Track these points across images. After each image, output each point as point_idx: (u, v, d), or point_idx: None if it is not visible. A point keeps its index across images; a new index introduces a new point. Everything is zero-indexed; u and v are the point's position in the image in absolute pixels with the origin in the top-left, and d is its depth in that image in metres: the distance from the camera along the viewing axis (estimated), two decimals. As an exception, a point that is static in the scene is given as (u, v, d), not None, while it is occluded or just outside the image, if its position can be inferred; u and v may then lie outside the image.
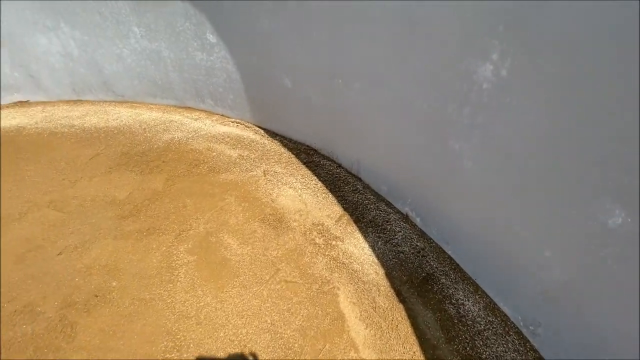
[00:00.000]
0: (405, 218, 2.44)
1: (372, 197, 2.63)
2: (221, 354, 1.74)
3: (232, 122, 3.62)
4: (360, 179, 2.73)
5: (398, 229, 2.41)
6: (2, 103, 4.02)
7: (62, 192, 2.74)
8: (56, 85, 3.97)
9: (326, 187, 2.74)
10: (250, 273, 2.12)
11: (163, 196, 2.69)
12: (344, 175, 2.81)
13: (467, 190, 1.89)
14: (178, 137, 3.46)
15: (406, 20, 1.74)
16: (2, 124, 3.71)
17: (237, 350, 1.76)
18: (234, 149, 3.25)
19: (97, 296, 1.97)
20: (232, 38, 2.94)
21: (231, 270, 2.13)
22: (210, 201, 2.63)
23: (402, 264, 2.21)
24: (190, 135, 3.49)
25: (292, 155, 3.10)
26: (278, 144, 3.26)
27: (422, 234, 2.36)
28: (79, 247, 2.26)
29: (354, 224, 2.44)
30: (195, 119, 3.74)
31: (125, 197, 2.68)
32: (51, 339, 1.77)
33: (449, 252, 2.22)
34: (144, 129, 3.63)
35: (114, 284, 2.05)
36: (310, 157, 3.06)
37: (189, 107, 3.88)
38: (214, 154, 3.20)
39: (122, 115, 3.88)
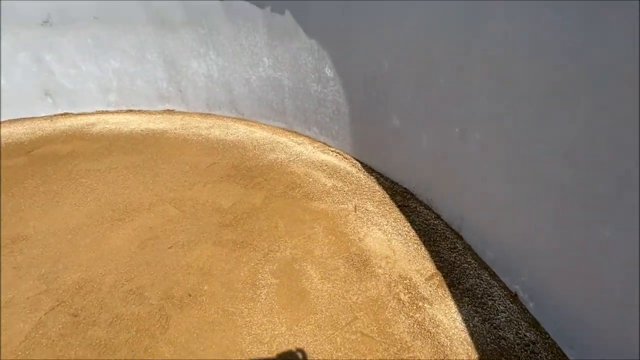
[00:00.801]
0: (514, 297, 2.05)
1: (473, 261, 2.31)
2: (286, 394, 1.69)
3: (332, 151, 3.72)
4: (461, 238, 2.43)
5: (502, 308, 2.03)
6: (156, 109, 5.00)
7: (183, 192, 3.17)
8: (195, 100, 4.74)
9: (420, 237, 2.53)
10: (327, 313, 2.05)
11: (259, 212, 2.87)
12: (442, 229, 2.56)
13: (615, 288, 1.48)
14: (281, 159, 3.71)
15: (549, 83, 1.51)
16: (154, 127, 4.59)
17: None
18: (329, 178, 3.31)
19: (190, 295, 2.16)
20: (348, 75, 3.05)
21: (309, 305, 2.09)
22: (300, 227, 2.69)
23: (503, 354, 1.84)
24: (292, 158, 3.70)
25: (387, 195, 2.98)
26: (374, 180, 3.20)
27: (535, 324, 1.93)
28: (185, 245, 2.54)
29: (446, 288, 2.17)
30: (299, 144, 3.97)
31: (229, 206, 2.95)
32: (150, 325, 1.99)
33: None
34: (254, 146, 4.02)
35: (206, 287, 2.22)
36: (406, 200, 2.89)
37: (295, 132, 4.16)
38: (310, 180, 3.31)
39: (239, 131, 4.39)
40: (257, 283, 2.24)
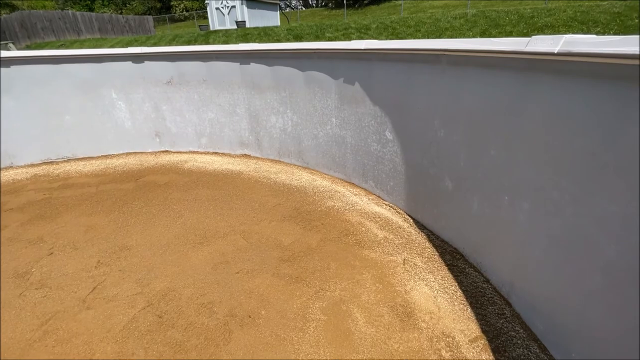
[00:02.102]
0: (565, 375, 1.97)
1: (521, 330, 2.28)
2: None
3: (386, 204, 3.98)
4: (509, 304, 2.43)
5: (551, 384, 1.96)
6: (236, 153, 5.88)
7: (251, 226, 3.67)
8: (269, 148, 5.50)
9: (466, 298, 2.57)
10: (369, 355, 2.18)
11: (314, 253, 3.18)
12: (490, 294, 2.58)
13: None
14: (337, 206, 4.08)
15: (587, 163, 1.66)
16: (233, 168, 5.39)
17: None
18: (381, 229, 3.54)
19: (250, 317, 2.48)
20: (406, 138, 3.41)
21: (352, 345, 2.25)
22: (350, 271, 2.92)
23: None
24: (347, 207, 4.04)
25: (436, 253, 3.10)
26: (424, 237, 3.35)
27: (588, 408, 1.83)
28: (249, 272, 2.93)
29: (491, 353, 2.16)
30: (355, 194, 4.33)
31: (289, 244, 3.33)
32: (215, 335, 2.33)
33: None
34: (315, 192, 4.48)
35: (263, 312, 2.52)
36: (455, 260, 2.97)
37: (353, 184, 4.54)
38: (363, 229, 3.57)
39: (302, 178, 4.93)
40: (307, 316, 2.48)
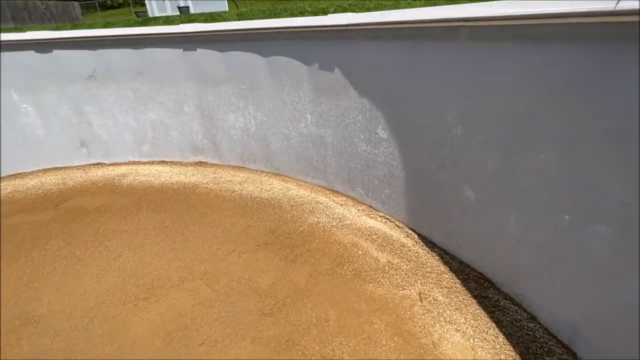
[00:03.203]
0: None
1: (599, 393, 1.73)
2: None
3: (381, 216, 3.30)
4: (574, 354, 1.87)
5: None
6: (188, 161, 4.85)
7: (215, 264, 2.79)
8: (229, 152, 4.56)
9: (513, 346, 1.98)
10: None
11: (305, 296, 2.42)
12: (543, 338, 2.01)
13: None
14: (323, 223, 3.32)
15: None
16: (186, 180, 4.38)
17: None
18: (382, 251, 2.86)
19: (225, 423, 1.67)
20: (407, 137, 2.73)
21: None
22: (357, 321, 2.20)
23: None
24: (334, 223, 3.31)
25: (457, 280, 2.49)
26: (436, 258, 2.72)
27: None
28: (220, 341, 2.10)
29: None
30: (341, 205, 3.60)
31: (268, 286, 2.53)
32: None
33: None
34: (292, 205, 3.67)
35: (244, 410, 1.73)
36: (483, 289, 2.38)
37: (336, 192, 3.81)
38: (360, 252, 2.87)
39: (274, 187, 4.08)
40: (310, 407, 1.73)
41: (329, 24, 2.84)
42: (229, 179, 4.37)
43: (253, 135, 4.22)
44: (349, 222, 3.31)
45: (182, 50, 4.02)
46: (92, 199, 4.02)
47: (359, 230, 3.17)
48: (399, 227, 3.13)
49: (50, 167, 4.80)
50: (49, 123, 4.53)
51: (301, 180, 4.14)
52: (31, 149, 4.59)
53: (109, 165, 4.91)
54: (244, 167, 4.61)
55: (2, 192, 4.26)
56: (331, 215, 3.44)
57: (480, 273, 2.47)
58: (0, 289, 2.61)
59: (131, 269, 2.78)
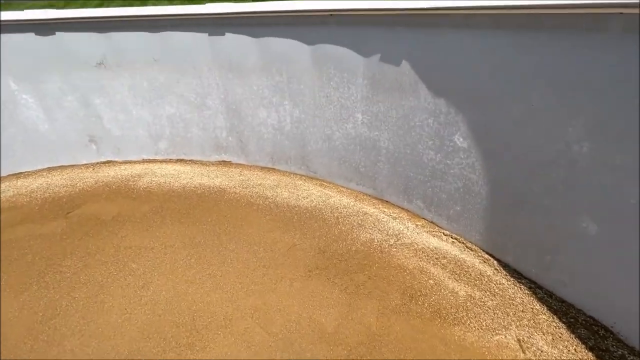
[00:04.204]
0: None
1: None
2: None
3: (446, 235, 2.88)
4: None
5: None
6: (209, 160, 4.36)
7: (265, 296, 2.37)
8: (258, 152, 4.07)
9: None
10: None
11: (381, 344, 2.02)
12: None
13: None
14: (378, 240, 2.90)
15: None
16: (210, 183, 3.91)
17: None
18: (457, 281, 2.45)
19: None
20: (498, 149, 2.26)
21: None
22: (453, 381, 1.81)
23: None
24: (391, 241, 2.88)
25: (561, 325, 2.08)
26: (527, 293, 2.31)
27: None
28: (291, 410, 1.70)
29: None
30: (395, 218, 3.16)
31: (334, 328, 2.12)
32: None
33: None
34: (337, 217, 3.24)
35: None
36: (600, 340, 1.98)
37: (386, 201, 3.36)
38: (431, 282, 2.46)
39: (311, 194, 3.63)
40: None
41: (401, 7, 2.30)
42: (259, 182, 3.91)
43: (287, 134, 3.72)
44: (409, 241, 2.89)
45: (207, 34, 3.45)
46: (107, 205, 3.56)
47: (423, 252, 2.75)
48: (471, 250, 2.71)
49: (55, 165, 4.30)
50: (53, 116, 4.00)
51: (342, 187, 3.68)
52: (34, 146, 4.08)
53: (122, 163, 4.41)
54: (274, 169, 4.14)
55: (4, 195, 3.78)
56: (385, 231, 3.01)
57: (591, 318, 2.06)
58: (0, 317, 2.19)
59: (165, 301, 2.36)
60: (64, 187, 3.92)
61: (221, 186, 3.86)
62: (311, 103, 3.36)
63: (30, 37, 3.56)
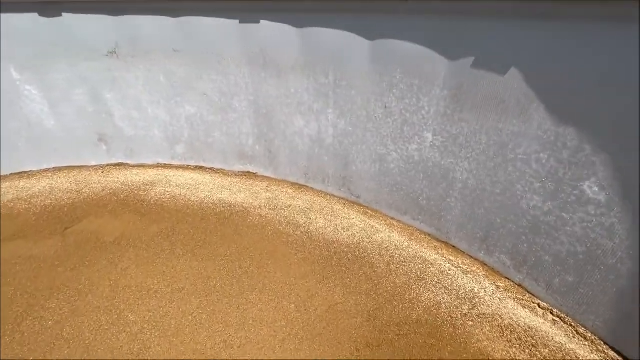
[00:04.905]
0: None
1: None
2: None
3: (542, 308, 2.11)
4: None
5: None
6: (232, 169, 3.75)
7: (299, 391, 1.72)
8: (289, 165, 3.40)
9: None
10: None
11: None
12: None
13: None
14: (446, 305, 2.18)
15: None
16: (231, 198, 3.28)
17: None
18: (574, 392, 1.70)
19: None
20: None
21: None
22: None
23: None
24: (465, 308, 2.15)
25: None
26: None
27: None
28: None
29: None
30: (465, 272, 2.42)
31: None
32: None
33: None
34: (388, 262, 2.53)
35: None
36: None
37: (453, 247, 2.62)
38: (534, 388, 1.72)
39: (353, 224, 2.94)
40: None
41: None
42: (288, 203, 3.25)
43: (328, 148, 3.03)
44: (489, 311, 2.14)
45: (237, 21, 2.78)
46: (111, 221, 3.01)
47: (512, 332, 2.00)
48: (585, 339, 1.93)
49: (63, 165, 3.81)
50: (60, 111, 3.48)
51: (393, 219, 2.96)
52: (39, 142, 3.59)
53: (133, 167, 3.87)
54: (307, 187, 3.46)
55: (3, 198, 3.32)
56: (455, 291, 2.28)
57: None
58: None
59: (166, 383, 1.76)
60: (67, 192, 3.42)
61: (244, 205, 3.23)
62: (363, 114, 2.64)
63: (33, 18, 3.02)
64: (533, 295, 2.17)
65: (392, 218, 2.96)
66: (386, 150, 2.65)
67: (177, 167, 3.86)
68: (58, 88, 3.36)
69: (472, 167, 2.20)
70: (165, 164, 3.89)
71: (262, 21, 2.70)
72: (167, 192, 3.43)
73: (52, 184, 3.56)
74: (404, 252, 2.64)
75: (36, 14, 3.01)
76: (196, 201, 3.29)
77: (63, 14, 3.03)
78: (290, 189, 3.47)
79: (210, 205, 3.24)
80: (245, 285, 2.34)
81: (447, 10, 1.94)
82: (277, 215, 3.10)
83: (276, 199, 3.32)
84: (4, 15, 2.96)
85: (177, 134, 3.63)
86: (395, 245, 2.71)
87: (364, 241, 2.76)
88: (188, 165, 3.85)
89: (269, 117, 3.19)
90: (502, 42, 1.81)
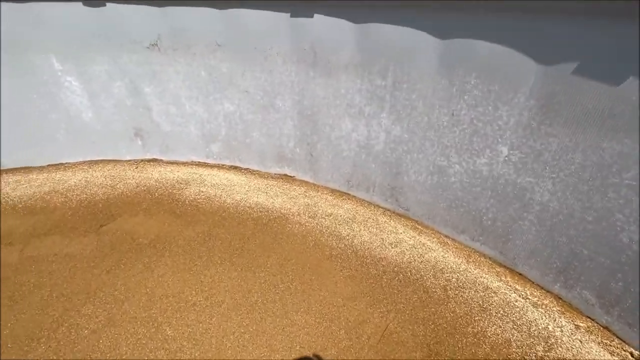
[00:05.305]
0: None
1: None
2: None
3: (635, 358, 1.81)
4: None
5: None
6: (269, 171, 3.57)
7: None
8: (331, 171, 3.19)
9: None
10: None
11: None
12: None
13: None
14: (517, 344, 1.91)
15: None
16: (268, 203, 3.11)
17: None
18: None
19: None
20: None
21: None
22: None
23: None
24: (539, 349, 1.88)
25: None
26: None
27: None
28: None
29: None
30: (536, 305, 2.14)
31: None
32: None
33: None
34: (444, 286, 2.28)
35: None
36: None
37: (519, 274, 2.33)
38: None
39: (401, 240, 2.70)
40: None
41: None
42: (329, 211, 3.04)
43: (377, 155, 2.79)
44: (569, 355, 1.86)
45: (289, 15, 2.57)
46: (146, 221, 2.90)
47: (602, 386, 1.71)
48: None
49: (97, 158, 3.75)
50: (99, 103, 3.40)
51: (447, 237, 2.70)
52: (77, 135, 3.54)
53: (167, 163, 3.77)
54: (348, 194, 3.24)
55: (40, 189, 3.28)
56: (526, 327, 2.01)
57: None
58: None
59: (208, 415, 1.59)
60: (102, 187, 3.34)
61: (282, 210, 3.05)
62: (423, 120, 2.38)
63: (77, 7, 2.92)
64: (624, 341, 1.87)
65: (446, 236, 2.69)
66: (447, 162, 2.39)
67: (212, 166, 3.73)
68: (98, 80, 3.27)
69: (557, 189, 1.90)
70: (199, 162, 3.76)
71: (315, 15, 2.48)
72: (202, 192, 3.29)
73: (87, 178, 3.50)
74: (462, 276, 2.38)
75: (80, 4, 2.92)
76: (232, 203, 3.14)
77: (107, 3, 2.91)
78: (330, 195, 3.26)
79: (247, 208, 3.07)
80: (289, 303, 2.15)
81: (542, 8, 1.65)
82: (317, 224, 2.89)
83: (315, 206, 3.12)
84: (48, 4, 2.88)
85: (214, 131, 3.48)
86: (451, 267, 2.45)
87: (415, 260, 2.52)
88: (223, 165, 3.71)
89: (313, 118, 2.98)
90: (612, 45, 1.52)
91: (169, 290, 2.23)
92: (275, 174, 3.55)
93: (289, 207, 3.11)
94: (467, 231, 2.52)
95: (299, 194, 3.29)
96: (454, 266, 2.46)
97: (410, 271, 2.42)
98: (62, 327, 1.98)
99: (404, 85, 2.36)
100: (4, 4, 2.81)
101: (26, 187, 3.31)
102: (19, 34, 2.95)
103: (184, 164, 3.76)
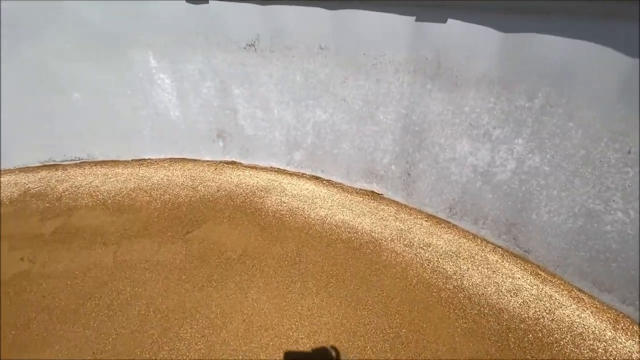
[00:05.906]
0: None
1: None
2: None
3: None
4: None
5: None
6: (353, 186, 3.30)
7: None
8: (430, 194, 2.84)
9: None
10: None
11: None
12: None
13: None
14: None
15: None
16: (355, 222, 2.83)
17: None
18: None
19: None
20: None
21: None
22: None
23: None
24: None
25: None
26: None
27: None
28: None
29: None
30: None
31: None
32: None
33: None
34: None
35: None
36: None
37: (699, 358, 1.85)
38: None
39: (521, 288, 2.30)
40: None
41: None
42: (427, 241, 2.70)
43: (498, 185, 2.39)
44: None
45: (414, 19, 2.24)
46: (231, 231, 2.76)
47: None
48: None
49: (178, 157, 3.71)
50: (187, 103, 3.33)
51: (580, 291, 2.25)
52: (162, 132, 3.50)
53: (246, 167, 3.63)
54: (449, 223, 2.87)
55: (125, 185, 3.28)
56: None
57: None
58: None
59: None
60: (184, 188, 3.27)
61: (373, 233, 2.76)
62: (579, 154, 1.95)
63: (179, 4, 2.81)
64: None
65: (579, 290, 2.25)
66: (605, 207, 1.94)
67: (292, 174, 3.53)
68: (190, 79, 3.18)
69: None
70: (278, 169, 3.59)
71: (449, 20, 2.12)
72: (284, 202, 3.10)
73: (168, 176, 3.46)
74: (610, 347, 1.94)
75: (183, 1, 2.80)
76: (317, 219, 2.91)
77: (209, 1, 2.77)
78: (426, 221, 2.92)
79: (334, 227, 2.82)
80: (403, 356, 1.87)
81: None
82: (416, 255, 2.57)
83: (410, 232, 2.79)
84: (152, 2, 2.79)
85: (299, 139, 3.27)
86: (593, 333, 2.02)
87: (544, 317, 2.11)
88: (303, 174, 3.50)
89: (421, 135, 2.64)
90: None
91: (267, 320, 2.04)
92: (360, 189, 3.27)
93: (379, 230, 2.81)
94: (615, 291, 2.06)
95: (389, 215, 2.99)
96: (597, 332, 2.02)
97: (540, 331, 2.03)
98: (162, 350, 1.86)
99: (558, 110, 1.94)
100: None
101: (113, 181, 3.33)
102: (121, 30, 2.91)
103: (263, 169, 3.60)
